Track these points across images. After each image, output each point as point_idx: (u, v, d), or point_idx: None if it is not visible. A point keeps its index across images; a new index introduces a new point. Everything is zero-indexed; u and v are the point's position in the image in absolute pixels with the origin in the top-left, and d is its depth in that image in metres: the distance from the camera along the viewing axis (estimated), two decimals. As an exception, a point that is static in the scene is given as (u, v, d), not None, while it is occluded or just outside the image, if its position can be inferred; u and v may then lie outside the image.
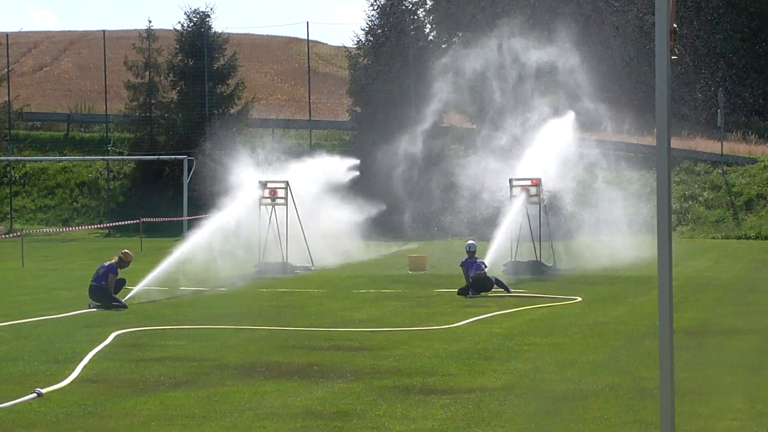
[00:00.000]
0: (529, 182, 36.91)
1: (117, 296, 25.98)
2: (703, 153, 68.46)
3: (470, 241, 31.19)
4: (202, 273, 32.91)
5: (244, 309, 25.81)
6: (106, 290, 25.71)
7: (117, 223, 55.19)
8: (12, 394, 14.02)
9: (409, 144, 62.75)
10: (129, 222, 53.51)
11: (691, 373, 15.08)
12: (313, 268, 37.99)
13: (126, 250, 27.07)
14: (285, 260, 37.55)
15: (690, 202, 63.45)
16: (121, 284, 26.51)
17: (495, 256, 33.03)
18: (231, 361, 17.11)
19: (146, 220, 52.76)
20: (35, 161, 71.16)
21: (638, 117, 73.12)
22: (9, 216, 67.38)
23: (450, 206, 63.47)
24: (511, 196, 36.68)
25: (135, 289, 27.98)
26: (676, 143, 60.56)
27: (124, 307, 25.52)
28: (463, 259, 29.76)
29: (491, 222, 51.24)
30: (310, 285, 32.42)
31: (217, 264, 34.04)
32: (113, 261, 26.42)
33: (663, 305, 7.56)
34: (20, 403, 13.56)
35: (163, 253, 33.13)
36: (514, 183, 37.01)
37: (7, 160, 69.41)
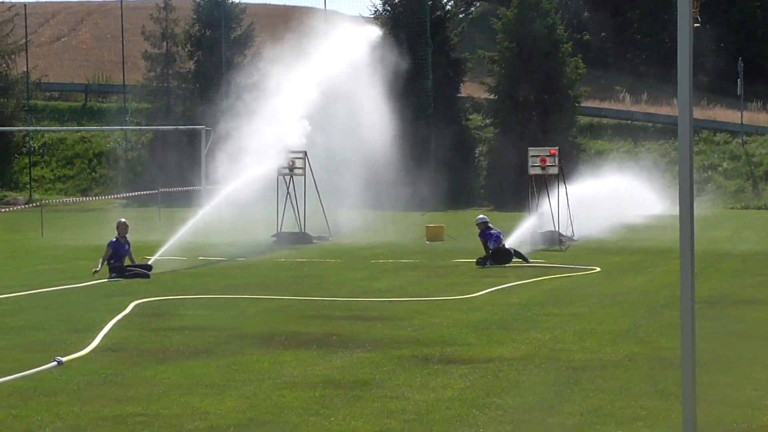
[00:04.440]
0: (547, 152, 36.77)
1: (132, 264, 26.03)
2: (722, 123, 68.25)
3: (480, 216, 31.21)
4: (221, 242, 33.05)
5: (263, 279, 25.87)
6: (119, 267, 25.77)
7: (135, 193, 55.28)
8: (33, 362, 14.07)
9: (425, 114, 62.70)
10: (147, 192, 53.58)
11: (711, 343, 15.04)
12: (330, 238, 38.04)
13: (119, 219, 27.08)
14: (303, 230, 37.62)
15: (709, 173, 63.30)
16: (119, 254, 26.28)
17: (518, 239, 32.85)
18: (250, 330, 17.14)
19: (164, 189, 52.84)
20: (54, 131, 71.27)
21: (656, 87, 72.92)
22: (28, 186, 67.54)
23: (468, 176, 63.52)
24: (530, 165, 36.54)
25: (153, 258, 28.14)
26: (695, 113, 60.41)
27: (145, 275, 25.55)
28: (480, 231, 29.74)
29: (511, 191, 51.33)
30: (328, 255, 32.45)
31: (235, 233, 34.18)
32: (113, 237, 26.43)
33: (684, 275, 7.54)
34: (41, 371, 13.61)
35: (181, 222, 33.26)
36: (532, 153, 36.86)
37: (26, 130, 69.53)
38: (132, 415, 11.29)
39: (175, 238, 30.99)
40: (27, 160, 69.43)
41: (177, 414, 11.34)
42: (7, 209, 54.75)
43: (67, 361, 14.22)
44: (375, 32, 48.51)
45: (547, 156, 36.44)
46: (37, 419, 11.13)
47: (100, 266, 25.58)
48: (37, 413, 11.38)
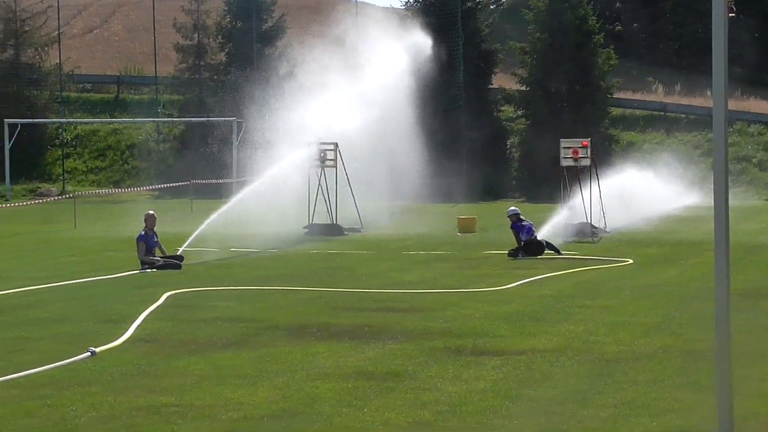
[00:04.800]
0: (579, 143, 36.57)
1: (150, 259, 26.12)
2: (757, 114, 67.85)
3: (512, 207, 31.18)
4: (252, 234, 33.15)
5: (294, 270, 25.89)
6: (142, 261, 25.86)
7: (167, 185, 55.42)
8: (66, 353, 14.13)
9: (457, 106, 62.60)
10: (179, 183, 53.72)
11: (744, 336, 14.93)
12: (362, 230, 38.05)
13: (147, 212, 27.16)
14: (334, 222, 37.64)
15: (743, 164, 62.93)
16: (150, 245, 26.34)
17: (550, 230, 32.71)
18: (281, 322, 17.16)
19: (196, 181, 52.97)
20: (86, 123, 71.57)
21: (690, 78, 72.50)
22: (61, 177, 67.84)
23: (500, 168, 63.40)
24: (562, 157, 36.34)
25: (182, 248, 28.14)
26: (729, 104, 60.11)
27: (177, 266, 25.65)
28: (512, 223, 29.72)
29: (542, 183, 51.21)
30: (360, 247, 32.46)
31: (267, 225, 34.25)
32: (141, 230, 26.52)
33: (719, 266, 7.50)
34: (75, 362, 13.67)
35: (209, 213, 33.44)
36: (564, 144, 36.66)
37: (59, 122, 69.84)
38: (166, 405, 11.33)
39: (201, 228, 31.03)
40: (60, 152, 69.73)
41: (210, 404, 11.37)
42: (41, 200, 55.02)
43: (100, 352, 14.28)
44: (427, 45, 48.64)
45: (579, 147, 36.23)
46: (72, 409, 11.18)
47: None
48: (71, 403, 11.44)
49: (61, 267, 26.74)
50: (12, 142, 63.12)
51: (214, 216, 32.41)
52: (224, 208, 33.71)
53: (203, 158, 62.64)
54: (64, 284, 22.70)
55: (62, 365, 13.46)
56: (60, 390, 12.10)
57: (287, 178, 36.80)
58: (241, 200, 34.81)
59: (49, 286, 22.29)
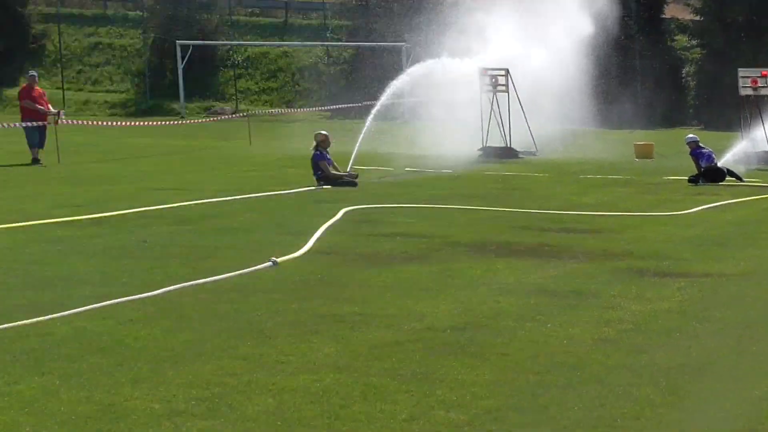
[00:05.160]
0: (758, 73, 35.52)
1: (338, 174, 26.29)
2: None
3: (690, 135, 30.49)
4: (427, 155, 33.19)
5: (471, 190, 25.77)
6: (327, 178, 25.94)
7: (338, 106, 55.68)
8: (250, 261, 14.31)
9: (630, 34, 61.57)
10: (350, 105, 53.90)
11: None
12: (537, 154, 37.77)
13: (317, 131, 27.12)
14: (508, 144, 37.40)
15: None
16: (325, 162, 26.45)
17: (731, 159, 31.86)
18: (461, 239, 17.09)
19: (368, 103, 53.04)
20: (255, 46, 72.28)
21: None
22: (234, 97, 68.76)
23: (675, 96, 62.21)
24: (741, 86, 35.34)
25: (349, 166, 28.15)
26: None
27: (353, 183, 25.80)
28: (690, 150, 29.09)
29: (720, 111, 50.13)
30: (535, 169, 32.15)
31: (441, 147, 34.26)
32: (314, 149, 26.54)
33: None
34: (257, 270, 13.84)
35: (384, 134, 33.42)
36: (742, 74, 35.59)
37: (228, 44, 70.72)
38: (350, 314, 11.38)
39: (357, 146, 30.87)
40: (232, 73, 70.65)
41: (394, 314, 11.40)
42: (215, 118, 55.94)
43: (282, 262, 14.41)
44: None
45: (758, 77, 35.23)
46: (258, 314, 11.33)
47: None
48: (257, 308, 11.59)
49: (241, 181, 27.09)
50: (185, 62, 64.09)
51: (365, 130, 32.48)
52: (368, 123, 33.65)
53: (374, 82, 62.61)
54: (246, 197, 22.94)
55: (246, 273, 13.65)
56: (246, 296, 12.27)
57: (459, 101, 36.74)
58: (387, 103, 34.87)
59: (231, 199, 22.59)
